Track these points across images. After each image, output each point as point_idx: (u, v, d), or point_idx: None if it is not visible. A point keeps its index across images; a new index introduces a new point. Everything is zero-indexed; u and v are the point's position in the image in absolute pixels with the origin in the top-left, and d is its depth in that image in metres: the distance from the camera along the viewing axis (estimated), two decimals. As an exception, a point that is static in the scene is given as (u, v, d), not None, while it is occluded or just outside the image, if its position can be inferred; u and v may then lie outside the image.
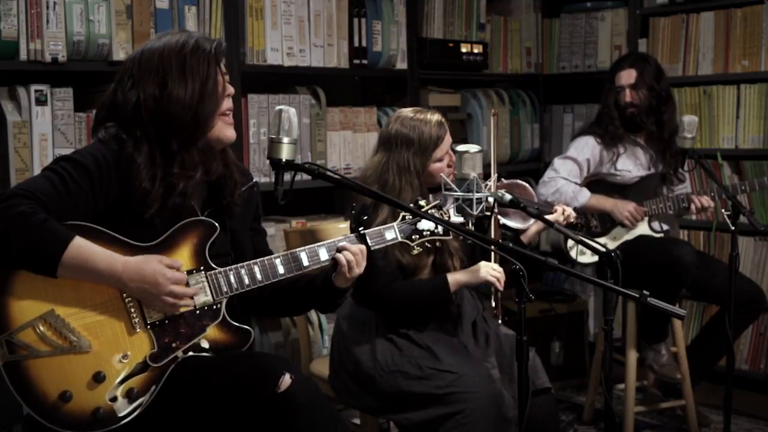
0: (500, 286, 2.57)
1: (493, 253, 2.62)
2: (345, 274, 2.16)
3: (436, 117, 2.66)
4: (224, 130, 2.12)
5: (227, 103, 2.13)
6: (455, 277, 2.60)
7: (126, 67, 2.10)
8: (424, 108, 2.73)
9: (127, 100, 2.05)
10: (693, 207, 3.52)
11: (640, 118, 3.61)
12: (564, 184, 3.57)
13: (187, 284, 2.03)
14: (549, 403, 2.67)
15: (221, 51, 2.11)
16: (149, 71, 2.05)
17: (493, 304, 2.61)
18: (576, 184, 3.61)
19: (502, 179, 2.84)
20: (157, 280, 1.95)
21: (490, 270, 2.57)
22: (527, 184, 2.94)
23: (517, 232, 2.83)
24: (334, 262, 2.16)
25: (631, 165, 3.66)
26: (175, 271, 1.98)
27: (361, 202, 2.60)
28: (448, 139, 2.68)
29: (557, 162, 3.67)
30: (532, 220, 2.77)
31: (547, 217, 2.77)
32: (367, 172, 2.70)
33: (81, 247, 1.91)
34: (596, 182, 3.70)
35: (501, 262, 2.63)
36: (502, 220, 2.77)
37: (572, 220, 2.88)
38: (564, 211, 2.86)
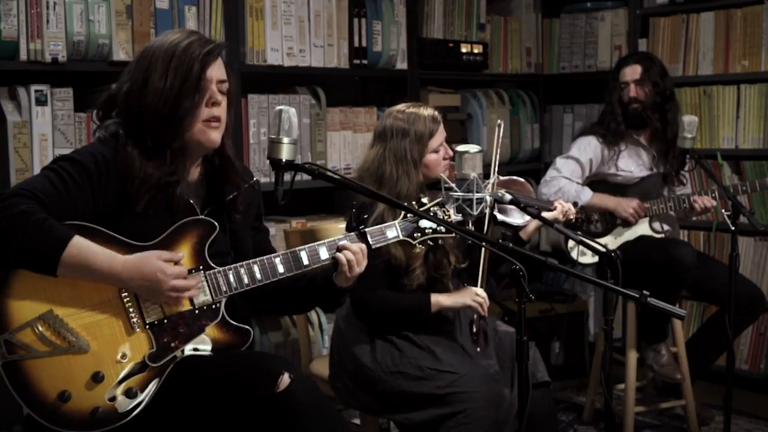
0: (483, 312, 2.61)
1: (480, 271, 2.64)
2: (346, 274, 2.15)
3: (429, 111, 2.68)
4: (207, 133, 2.08)
5: (211, 111, 2.07)
6: (439, 299, 2.62)
7: (129, 62, 2.13)
8: (417, 103, 2.75)
9: (120, 91, 2.08)
10: (696, 207, 3.51)
11: (645, 114, 3.61)
12: (566, 183, 3.57)
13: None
14: (547, 397, 2.68)
15: (212, 56, 2.07)
16: (141, 65, 2.06)
17: (474, 329, 2.65)
18: (578, 183, 3.61)
19: (499, 176, 2.83)
20: (158, 276, 1.95)
21: (473, 296, 2.61)
22: (524, 180, 2.94)
23: (517, 229, 2.83)
24: (335, 262, 2.16)
25: (633, 165, 3.66)
26: (174, 265, 1.98)
27: (361, 200, 2.60)
28: (442, 132, 2.70)
29: (559, 161, 3.67)
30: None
31: (548, 214, 2.77)
32: (364, 165, 2.70)
33: (81, 246, 1.91)
34: (597, 182, 3.70)
35: (500, 261, 2.63)
36: (501, 218, 2.76)
37: (571, 217, 2.88)
38: (563, 207, 2.86)
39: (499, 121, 2.84)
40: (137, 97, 2.04)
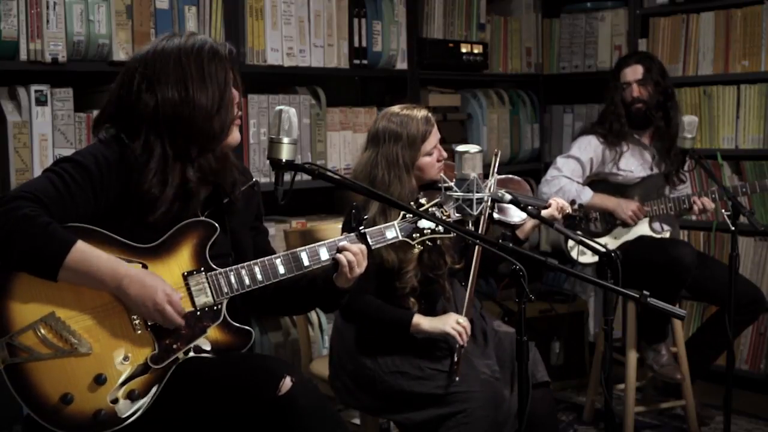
0: (461, 341, 2.51)
1: (472, 270, 2.58)
2: (346, 275, 2.15)
3: (422, 112, 2.67)
4: (235, 133, 2.13)
5: (237, 111, 2.13)
6: (420, 322, 2.56)
7: (136, 67, 2.07)
8: (411, 105, 2.73)
9: (143, 102, 2.03)
10: (695, 208, 3.52)
11: (649, 113, 3.62)
12: (567, 182, 3.58)
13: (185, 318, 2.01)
14: (547, 397, 2.67)
15: (234, 57, 2.11)
16: (166, 74, 2.03)
17: (455, 359, 2.53)
18: (578, 183, 3.62)
19: (496, 174, 2.83)
20: (158, 292, 1.94)
21: (453, 323, 2.53)
22: (520, 179, 2.94)
23: (514, 228, 2.82)
24: (335, 263, 2.16)
25: (634, 165, 3.67)
26: (176, 296, 1.97)
27: (359, 202, 2.59)
28: (435, 134, 2.68)
29: (560, 161, 3.67)
30: (526, 215, 2.75)
31: (543, 212, 2.76)
32: (357, 168, 2.70)
33: (84, 251, 1.90)
34: (598, 182, 3.70)
35: (500, 261, 2.62)
36: (498, 216, 2.76)
37: (568, 211, 2.86)
38: (557, 203, 2.84)
39: (496, 150, 2.81)
40: (175, 112, 2.01)
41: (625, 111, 3.65)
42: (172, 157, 2.03)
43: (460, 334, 2.52)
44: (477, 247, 2.57)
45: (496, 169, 2.76)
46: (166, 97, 2.02)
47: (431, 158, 2.66)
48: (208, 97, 2.03)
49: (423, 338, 2.59)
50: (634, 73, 3.64)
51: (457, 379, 2.50)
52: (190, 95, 2.02)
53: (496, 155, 2.77)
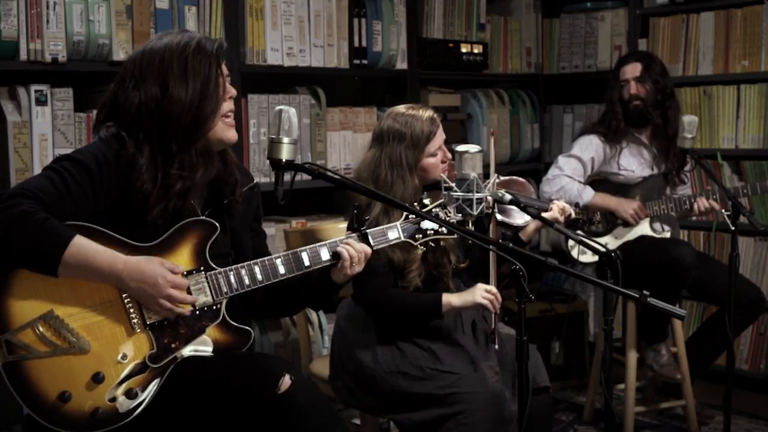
0: (492, 309, 2.52)
1: (490, 275, 2.59)
2: (345, 269, 2.15)
3: (428, 113, 2.66)
4: (225, 131, 2.12)
5: (228, 105, 2.12)
6: (449, 300, 2.56)
7: (127, 67, 2.10)
8: (417, 105, 2.73)
9: (129, 101, 2.05)
10: (696, 209, 3.51)
11: (646, 111, 3.61)
12: (568, 182, 3.58)
13: (189, 291, 2.02)
14: (547, 401, 2.67)
15: (222, 52, 2.11)
16: (150, 72, 2.04)
17: (492, 326, 2.56)
18: (580, 182, 3.61)
19: (500, 176, 2.82)
20: (158, 281, 1.94)
21: (482, 293, 2.52)
22: (524, 180, 2.93)
23: (516, 230, 2.82)
24: (335, 256, 2.15)
25: (635, 164, 3.66)
26: (176, 275, 1.98)
27: (362, 202, 2.59)
28: (440, 135, 2.67)
29: (561, 160, 3.67)
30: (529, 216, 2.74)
31: (545, 214, 2.76)
32: (360, 167, 2.69)
33: (82, 245, 1.91)
34: (599, 181, 3.70)
35: (500, 262, 2.62)
36: (500, 218, 2.75)
37: (569, 213, 2.85)
38: (559, 205, 2.84)
39: (492, 129, 2.79)
40: (157, 109, 2.02)
41: (623, 108, 3.65)
42: (157, 154, 2.03)
43: (491, 303, 2.52)
44: (491, 253, 2.57)
45: (494, 152, 2.74)
46: (148, 95, 2.03)
47: (435, 159, 2.66)
48: (188, 92, 2.03)
49: (435, 324, 2.60)
50: (633, 70, 3.64)
51: (496, 347, 2.53)
52: (169, 91, 2.02)
53: (493, 134, 2.74)
